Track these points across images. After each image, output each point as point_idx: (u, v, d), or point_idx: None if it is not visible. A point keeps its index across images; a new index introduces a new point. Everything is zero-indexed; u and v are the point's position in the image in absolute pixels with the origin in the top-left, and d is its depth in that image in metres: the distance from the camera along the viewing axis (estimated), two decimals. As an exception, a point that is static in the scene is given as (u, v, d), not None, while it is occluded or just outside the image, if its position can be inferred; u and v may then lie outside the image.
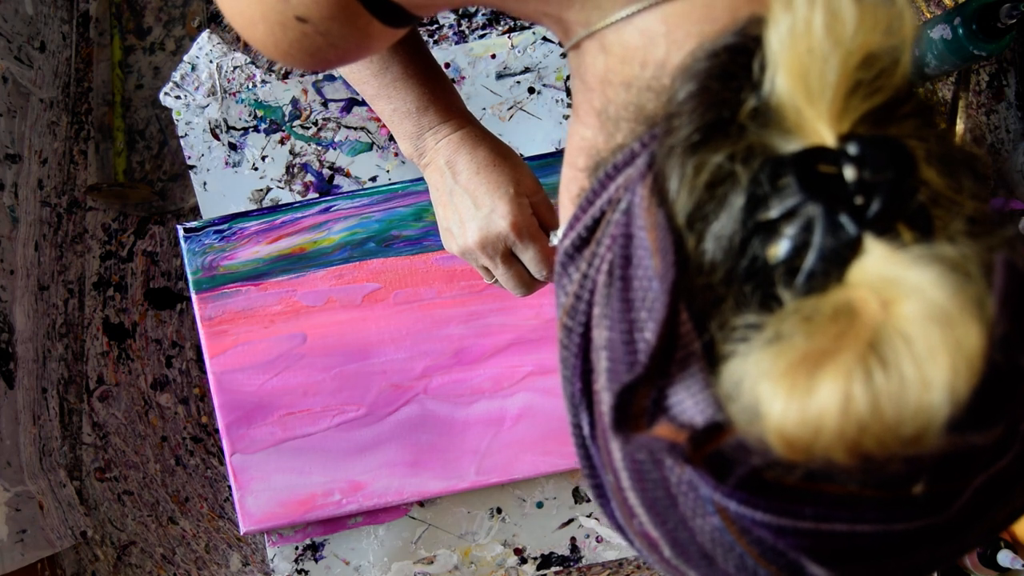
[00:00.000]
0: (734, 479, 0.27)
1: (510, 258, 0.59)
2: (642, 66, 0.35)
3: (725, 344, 0.27)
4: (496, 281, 0.62)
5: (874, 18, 0.27)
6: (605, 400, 0.32)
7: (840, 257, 0.25)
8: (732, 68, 0.29)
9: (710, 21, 0.34)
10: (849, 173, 0.26)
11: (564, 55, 0.92)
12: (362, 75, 0.58)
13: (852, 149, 0.26)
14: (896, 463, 0.24)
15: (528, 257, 0.58)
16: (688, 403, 0.28)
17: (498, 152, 0.59)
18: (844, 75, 0.26)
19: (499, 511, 0.90)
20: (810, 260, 0.25)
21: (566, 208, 0.41)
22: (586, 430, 0.34)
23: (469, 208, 0.58)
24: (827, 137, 0.26)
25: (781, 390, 0.23)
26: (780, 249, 0.26)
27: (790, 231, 0.26)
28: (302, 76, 0.93)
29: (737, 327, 0.27)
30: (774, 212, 0.26)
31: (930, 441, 0.23)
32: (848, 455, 0.24)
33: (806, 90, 0.26)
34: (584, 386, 0.33)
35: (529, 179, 0.59)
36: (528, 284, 0.61)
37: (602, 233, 0.33)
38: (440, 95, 0.59)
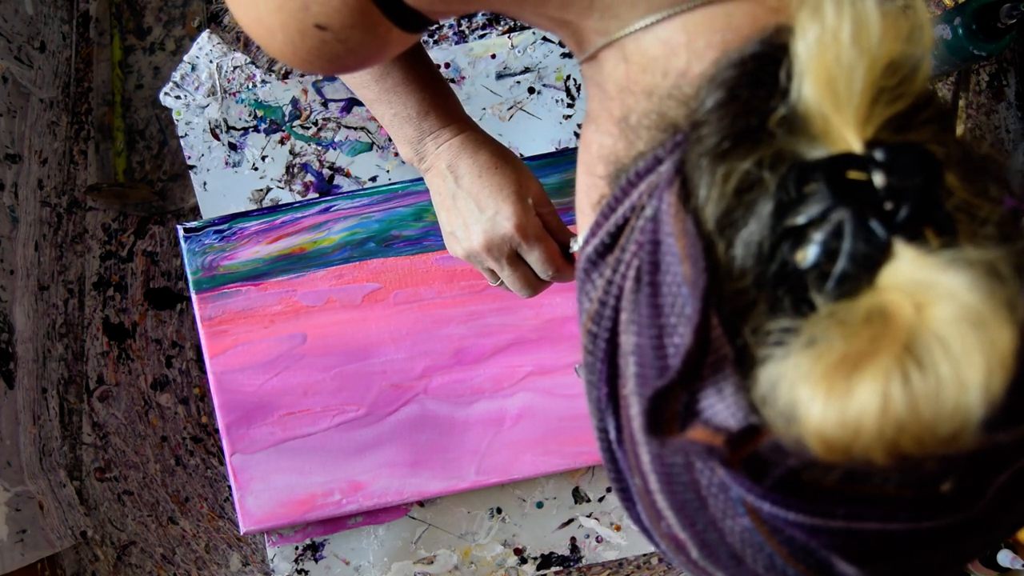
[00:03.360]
0: (770, 480, 0.27)
1: (516, 260, 0.59)
2: (663, 75, 0.36)
3: (759, 348, 0.27)
4: (501, 284, 0.62)
5: (897, 27, 0.27)
6: (634, 404, 0.32)
7: (871, 261, 0.26)
8: (760, 76, 0.30)
9: (731, 30, 0.34)
10: (878, 179, 0.26)
11: (567, 55, 0.92)
12: (362, 80, 0.58)
13: (879, 155, 0.26)
14: (930, 462, 0.25)
15: (534, 258, 0.58)
16: (720, 407, 0.28)
17: (499, 155, 0.59)
18: (869, 83, 0.27)
19: (499, 511, 0.90)
20: (841, 264, 0.26)
21: (586, 215, 0.41)
22: (612, 434, 0.34)
23: (473, 211, 0.58)
24: (854, 144, 0.27)
25: (820, 392, 0.24)
26: (809, 254, 0.26)
27: (819, 237, 0.26)
28: (302, 76, 0.93)
29: (771, 331, 0.27)
30: (802, 218, 0.27)
31: (966, 440, 0.24)
32: (886, 455, 0.24)
33: (833, 98, 0.27)
34: (610, 391, 0.33)
35: (532, 182, 0.59)
36: (534, 285, 0.61)
37: (626, 239, 0.33)
38: (440, 100, 0.59)
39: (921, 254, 0.25)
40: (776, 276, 0.27)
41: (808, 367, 0.24)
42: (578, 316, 0.36)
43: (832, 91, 0.27)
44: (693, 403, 0.29)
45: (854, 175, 0.26)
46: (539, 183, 0.60)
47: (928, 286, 0.24)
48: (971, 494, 0.28)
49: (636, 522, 0.36)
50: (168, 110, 0.99)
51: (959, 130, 0.97)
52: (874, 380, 0.23)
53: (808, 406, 0.24)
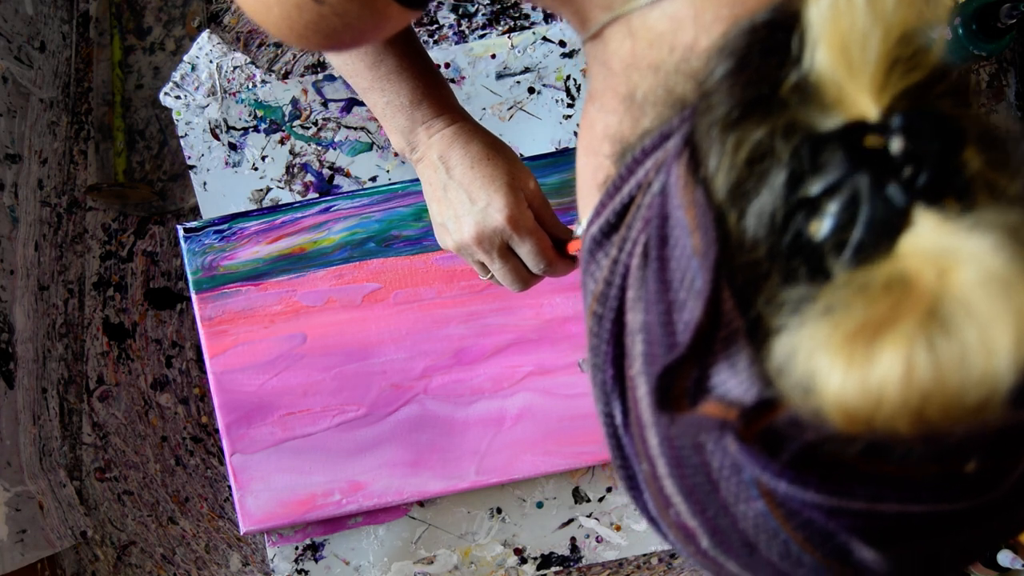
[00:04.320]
0: (786, 455, 0.26)
1: (507, 253, 0.58)
2: (671, 50, 0.35)
3: (773, 319, 0.26)
4: (492, 277, 0.62)
5: None
6: (641, 385, 0.31)
7: (890, 228, 0.25)
8: (771, 44, 0.29)
9: (739, 3, 0.34)
10: (896, 144, 0.25)
11: (567, 55, 0.92)
12: (356, 67, 0.58)
13: (896, 121, 0.26)
14: (956, 436, 0.24)
15: (525, 251, 0.58)
16: (732, 382, 0.27)
17: (492, 146, 0.58)
18: (884, 51, 0.26)
19: (499, 511, 0.90)
20: (859, 232, 0.25)
21: (591, 196, 0.40)
22: (618, 419, 0.33)
23: (464, 203, 0.57)
24: (870, 111, 0.26)
25: (839, 361, 0.23)
26: (825, 224, 0.26)
27: (834, 206, 0.26)
28: (302, 76, 0.93)
29: (786, 301, 0.26)
30: (817, 187, 0.26)
31: (994, 409, 0.23)
32: (911, 425, 0.23)
33: (847, 65, 0.26)
34: (616, 372, 0.33)
35: (526, 174, 0.58)
36: (525, 279, 0.60)
37: (632, 217, 0.33)
38: (434, 90, 0.59)
39: (941, 219, 0.24)
40: (790, 247, 0.27)
41: (826, 335, 0.24)
42: (583, 299, 0.35)
43: (846, 58, 0.26)
44: (704, 379, 0.28)
45: (871, 141, 0.26)
46: (533, 176, 0.59)
47: (950, 251, 0.23)
48: (995, 475, 0.27)
49: (643, 511, 0.35)
50: (168, 110, 0.99)
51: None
52: (897, 347, 0.23)
53: (827, 375, 0.23)
